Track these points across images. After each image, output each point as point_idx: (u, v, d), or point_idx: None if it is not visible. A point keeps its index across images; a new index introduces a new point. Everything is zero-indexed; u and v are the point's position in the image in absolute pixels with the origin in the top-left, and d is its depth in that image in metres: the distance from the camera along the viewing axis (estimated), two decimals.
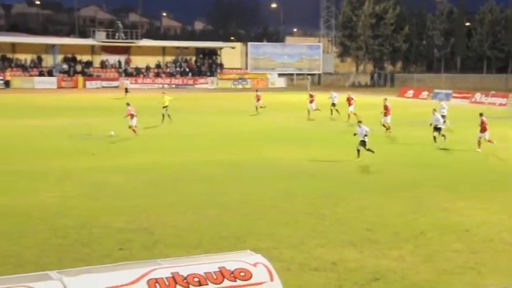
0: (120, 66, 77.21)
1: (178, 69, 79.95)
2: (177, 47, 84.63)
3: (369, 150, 24.78)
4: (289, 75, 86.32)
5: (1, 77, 67.33)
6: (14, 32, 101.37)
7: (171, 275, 6.54)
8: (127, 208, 16.95)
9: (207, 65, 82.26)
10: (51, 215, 16.10)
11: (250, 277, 6.72)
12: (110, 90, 67.62)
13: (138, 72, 76.93)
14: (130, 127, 31.10)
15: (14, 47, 73.28)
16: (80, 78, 72.25)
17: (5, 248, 13.29)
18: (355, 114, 37.78)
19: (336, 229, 15.18)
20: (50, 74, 71.88)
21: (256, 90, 46.91)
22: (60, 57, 74.95)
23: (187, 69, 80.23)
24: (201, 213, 16.56)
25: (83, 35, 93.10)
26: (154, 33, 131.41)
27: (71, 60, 75.50)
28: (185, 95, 60.53)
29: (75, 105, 50.09)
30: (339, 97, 42.12)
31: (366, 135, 24.70)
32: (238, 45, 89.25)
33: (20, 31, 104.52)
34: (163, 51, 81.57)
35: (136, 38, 79.27)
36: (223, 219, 15.97)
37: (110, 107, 45.89)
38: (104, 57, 77.70)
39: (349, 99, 39.91)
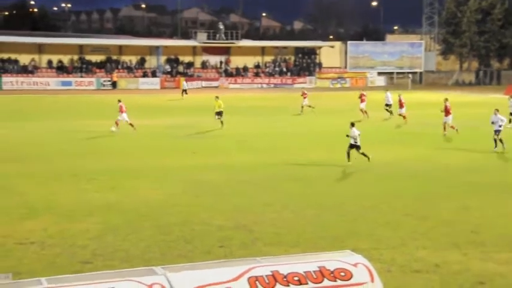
0: (220, 67, 78.55)
1: (277, 68, 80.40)
2: (276, 47, 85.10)
3: (363, 154, 23.41)
4: (389, 74, 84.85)
5: (108, 78, 70.04)
6: (120, 34, 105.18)
7: (271, 273, 6.59)
8: (226, 206, 17.24)
9: (305, 64, 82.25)
10: (155, 212, 16.61)
11: (351, 277, 6.67)
12: (210, 91, 68.93)
13: (238, 72, 77.99)
14: (127, 122, 32.72)
15: (120, 49, 76.08)
16: (182, 78, 74.14)
17: (113, 243, 13.83)
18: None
19: (439, 231, 14.80)
20: (153, 74, 74.11)
21: (303, 92, 45.87)
22: (163, 59, 77.14)
23: (285, 69, 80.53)
24: (299, 212, 16.59)
25: (185, 36, 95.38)
26: (253, 34, 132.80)
27: (173, 61, 77.57)
28: (284, 95, 60.80)
29: (176, 105, 51.39)
30: (439, 97, 41.06)
31: (356, 139, 23.28)
32: (338, 44, 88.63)
33: (126, 33, 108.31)
34: (263, 51, 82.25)
35: (237, 39, 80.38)
36: (321, 219, 15.93)
37: (209, 107, 46.75)
38: (205, 57, 79.27)
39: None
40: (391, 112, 40.26)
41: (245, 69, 78.50)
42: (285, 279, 6.57)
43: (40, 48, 71.14)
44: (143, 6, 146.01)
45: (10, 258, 12.69)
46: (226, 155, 26.15)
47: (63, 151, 26.64)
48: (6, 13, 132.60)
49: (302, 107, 43.15)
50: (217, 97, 35.93)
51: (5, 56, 69.11)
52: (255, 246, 13.61)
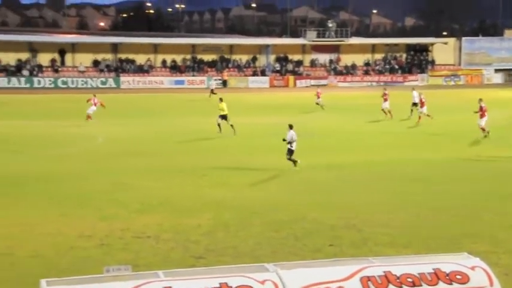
0: (329, 65, 78.17)
1: (387, 66, 79.00)
2: (387, 44, 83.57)
3: (290, 160, 21.93)
4: (508, 71, 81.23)
5: (219, 77, 71.39)
6: (231, 33, 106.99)
7: (383, 274, 6.49)
8: (336, 205, 17.14)
9: (417, 61, 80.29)
10: (264, 209, 16.78)
11: (468, 281, 6.45)
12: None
13: (347, 70, 77.32)
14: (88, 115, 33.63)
15: (231, 48, 77.37)
16: (291, 77, 74.34)
17: (224, 239, 14.10)
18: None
19: None
20: (262, 73, 74.83)
21: (317, 92, 44.95)
22: (272, 57, 77.72)
23: (396, 66, 78.98)
24: (413, 212, 16.24)
25: (294, 34, 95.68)
26: (363, 31, 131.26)
27: (282, 60, 78.00)
28: (394, 92, 59.60)
29: (285, 103, 51.61)
30: None
31: (291, 143, 21.84)
32: (451, 40, 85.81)
33: (237, 33, 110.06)
34: (373, 48, 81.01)
35: (346, 36, 79.65)
36: (436, 220, 15.52)
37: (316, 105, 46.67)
38: (314, 56, 79.14)
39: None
40: (412, 111, 38.18)
41: (354, 67, 77.69)
42: (398, 280, 6.45)
43: (155, 48, 73.56)
44: (253, 5, 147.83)
45: (128, 251, 13.23)
46: (332, 153, 25.97)
47: (177, 147, 27.45)
48: (125, 15, 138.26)
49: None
50: (221, 99, 32.91)
51: (123, 56, 72.03)
52: (366, 246, 13.46)
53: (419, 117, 36.00)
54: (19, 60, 66.84)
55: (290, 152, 22.03)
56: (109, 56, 71.41)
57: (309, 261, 7.63)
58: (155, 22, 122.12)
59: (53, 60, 68.17)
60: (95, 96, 37.31)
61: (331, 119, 33.07)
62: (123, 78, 68.16)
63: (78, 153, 25.98)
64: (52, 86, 63.64)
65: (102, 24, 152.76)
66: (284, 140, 22.08)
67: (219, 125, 31.42)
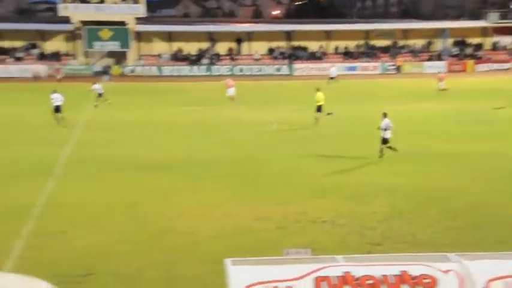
0: None
1: None
2: None
3: (382, 149, 21.02)
4: None
5: (393, 63, 69.99)
6: (405, 18, 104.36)
7: None
8: None
9: None
10: (442, 197, 16.23)
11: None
12: (500, 73, 65.10)
13: None
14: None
15: (405, 33, 75.46)
16: (470, 61, 71.03)
17: (400, 227, 13.83)
18: None
19: None
20: (439, 58, 72.23)
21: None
22: (449, 41, 74.72)
23: None
24: None
25: (473, 17, 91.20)
26: None
27: (460, 44, 74.77)
28: None
29: (463, 88, 49.40)
30: None
31: (386, 130, 20.68)
32: None
33: (411, 17, 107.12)
34: None
35: None
36: None
37: (501, 90, 44.19)
38: (496, 38, 74.99)
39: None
40: None
41: None
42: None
43: (328, 35, 73.69)
44: None
45: (305, 235, 13.40)
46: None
47: (349, 132, 27.22)
48: (298, 3, 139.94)
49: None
50: (318, 89, 30.97)
51: (296, 43, 72.99)
52: None
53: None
54: (200, 49, 70.17)
55: (384, 140, 21.67)
56: (283, 44, 72.72)
57: (494, 253, 7.26)
58: (327, 9, 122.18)
59: (230, 49, 70.78)
60: (229, 80, 41.29)
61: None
62: (296, 65, 69.07)
63: (254, 138, 26.72)
64: (229, 73, 66.11)
65: (276, 12, 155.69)
66: (379, 128, 21.74)
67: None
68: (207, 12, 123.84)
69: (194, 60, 68.69)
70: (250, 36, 71.99)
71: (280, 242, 12.53)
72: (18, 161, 21.24)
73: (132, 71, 65.43)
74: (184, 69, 66.88)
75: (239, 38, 71.89)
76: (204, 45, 70.94)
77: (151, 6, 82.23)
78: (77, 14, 66.35)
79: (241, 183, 18.24)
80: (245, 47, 72.03)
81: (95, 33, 65.96)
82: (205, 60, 68.49)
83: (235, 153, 22.96)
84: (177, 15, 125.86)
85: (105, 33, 66.01)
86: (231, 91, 40.30)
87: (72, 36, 67.97)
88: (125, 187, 17.69)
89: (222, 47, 71.00)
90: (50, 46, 68.16)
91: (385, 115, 21.92)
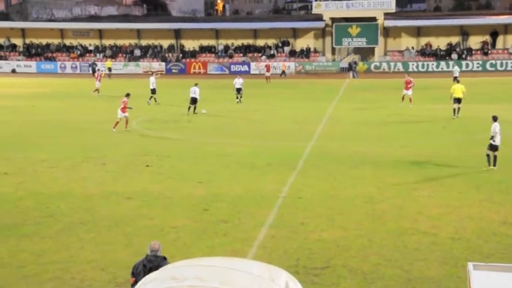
0: None
1: None
2: None
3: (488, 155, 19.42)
4: None
5: None
6: None
7: None
8: None
9: None
10: None
11: None
12: None
13: None
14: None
15: None
16: None
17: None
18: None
19: None
20: None
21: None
22: None
23: None
24: None
25: None
26: None
27: None
28: None
29: None
30: None
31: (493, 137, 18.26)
32: None
33: None
34: None
35: None
36: None
37: None
38: None
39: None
40: None
41: None
42: None
43: None
44: None
45: None
46: None
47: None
48: None
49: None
50: (457, 81, 30.74)
51: None
52: None
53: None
54: (449, 44, 67.64)
55: (491, 147, 18.70)
56: None
57: None
58: None
59: (484, 43, 67.10)
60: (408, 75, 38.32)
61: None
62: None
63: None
64: (480, 69, 62.87)
65: None
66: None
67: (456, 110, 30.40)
68: (460, 5, 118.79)
69: (442, 55, 66.40)
70: (507, 29, 67.61)
71: None
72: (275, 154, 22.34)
73: (378, 67, 65.29)
74: (432, 65, 64.97)
75: (495, 31, 67.84)
76: (454, 39, 68.22)
77: (400, 1, 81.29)
78: (328, 11, 68.09)
79: (489, 186, 17.21)
80: (500, 40, 67.88)
81: (344, 29, 67.01)
82: (454, 55, 65.83)
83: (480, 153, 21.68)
84: (427, 9, 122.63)
85: (354, 29, 66.72)
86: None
87: (321, 33, 69.83)
88: (364, 183, 17.67)
89: (474, 41, 67.71)
90: (300, 43, 70.70)
91: (494, 119, 18.96)
